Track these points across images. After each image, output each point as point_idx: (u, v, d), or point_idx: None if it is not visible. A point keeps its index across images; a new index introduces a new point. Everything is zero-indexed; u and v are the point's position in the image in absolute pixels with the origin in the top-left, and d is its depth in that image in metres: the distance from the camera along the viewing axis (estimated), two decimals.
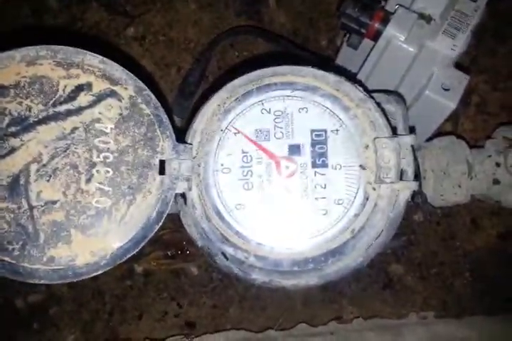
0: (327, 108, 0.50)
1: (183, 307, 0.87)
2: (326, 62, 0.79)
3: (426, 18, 0.61)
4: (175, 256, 0.89)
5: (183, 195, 0.49)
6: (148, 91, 0.45)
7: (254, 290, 0.88)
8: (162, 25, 0.93)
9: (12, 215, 0.40)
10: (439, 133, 0.72)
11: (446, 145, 0.66)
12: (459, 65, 0.64)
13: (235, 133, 0.50)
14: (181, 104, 0.89)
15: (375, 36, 0.62)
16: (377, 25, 0.62)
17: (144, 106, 0.45)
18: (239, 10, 0.95)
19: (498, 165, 0.66)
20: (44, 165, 0.42)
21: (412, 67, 0.62)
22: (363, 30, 0.63)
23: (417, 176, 0.51)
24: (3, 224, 0.40)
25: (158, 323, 0.87)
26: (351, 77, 0.63)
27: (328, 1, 0.97)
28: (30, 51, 0.42)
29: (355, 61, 0.72)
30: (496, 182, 0.66)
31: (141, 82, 0.44)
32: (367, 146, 0.48)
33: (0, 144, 0.41)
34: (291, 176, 0.50)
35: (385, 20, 0.62)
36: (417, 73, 0.62)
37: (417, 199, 0.54)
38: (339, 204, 0.49)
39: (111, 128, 0.44)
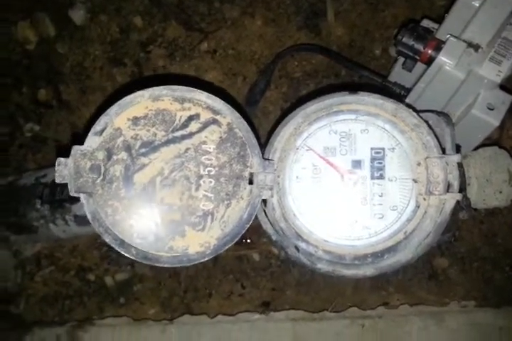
0: (386, 130, 0.59)
1: (246, 289, 0.99)
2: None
3: (474, 47, 0.69)
4: (239, 243, 1.01)
5: (264, 200, 0.60)
6: (241, 119, 0.56)
7: (308, 276, 0.99)
8: (231, 40, 1.03)
9: (144, 216, 0.53)
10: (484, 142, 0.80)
11: (489, 155, 0.73)
12: (502, 86, 0.72)
13: (307, 150, 0.60)
14: (247, 110, 1.01)
15: (428, 62, 0.71)
16: (430, 52, 0.70)
17: (237, 130, 0.56)
18: (300, 24, 1.04)
19: None
20: (166, 178, 0.54)
21: (460, 90, 0.70)
22: (417, 57, 0.71)
23: (462, 188, 0.60)
24: (139, 223, 0.53)
25: (225, 301, 0.99)
26: (404, 99, 0.72)
27: (383, 14, 1.05)
28: (155, 90, 0.54)
29: (407, 79, 0.81)
30: None
31: (236, 111, 0.56)
32: (419, 163, 0.58)
33: (135, 162, 0.54)
34: (353, 186, 0.60)
35: (438, 48, 0.70)
36: (464, 94, 0.70)
37: (462, 203, 0.63)
38: (394, 210, 0.59)
39: (213, 148, 0.55)
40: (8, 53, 1.03)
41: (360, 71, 0.89)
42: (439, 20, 0.80)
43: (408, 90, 0.81)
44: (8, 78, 1.02)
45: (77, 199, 0.55)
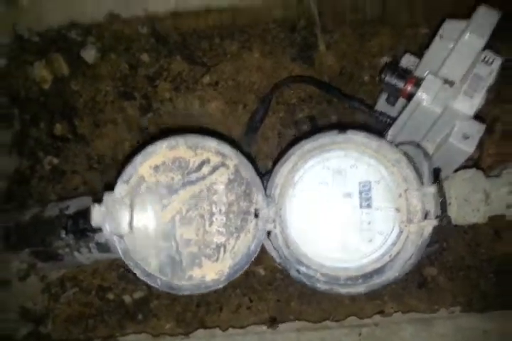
0: (372, 165, 0.68)
1: (253, 302, 1.06)
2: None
3: (449, 83, 0.77)
4: None
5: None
6: (246, 161, 0.65)
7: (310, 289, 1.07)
8: (232, 72, 1.11)
9: (166, 251, 0.62)
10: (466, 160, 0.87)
11: (468, 177, 0.81)
12: (476, 115, 0.80)
13: (303, 185, 0.69)
14: (249, 136, 1.09)
15: (408, 97, 0.79)
16: (409, 88, 0.79)
17: (243, 171, 0.65)
18: (294, 56, 1.12)
19: (510, 192, 0.82)
20: (183, 216, 0.63)
21: (438, 122, 0.78)
22: (399, 93, 0.80)
23: (444, 208, 0.68)
24: (162, 256, 0.62)
25: (234, 314, 1.06)
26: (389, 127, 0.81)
27: (371, 44, 1.13)
28: (172, 140, 0.63)
29: (391, 110, 0.89)
30: (510, 206, 0.82)
31: (241, 155, 0.65)
32: (400, 195, 0.67)
33: (158, 203, 0.62)
34: (345, 215, 0.69)
35: (417, 85, 0.78)
36: (442, 126, 0.78)
37: (443, 222, 0.72)
38: (381, 235, 0.67)
39: (222, 188, 0.64)
40: (26, 92, 1.11)
41: (350, 101, 0.97)
42: (422, 48, 0.88)
43: (393, 118, 0.90)
44: (26, 115, 1.11)
45: (98, 229, 0.62)
